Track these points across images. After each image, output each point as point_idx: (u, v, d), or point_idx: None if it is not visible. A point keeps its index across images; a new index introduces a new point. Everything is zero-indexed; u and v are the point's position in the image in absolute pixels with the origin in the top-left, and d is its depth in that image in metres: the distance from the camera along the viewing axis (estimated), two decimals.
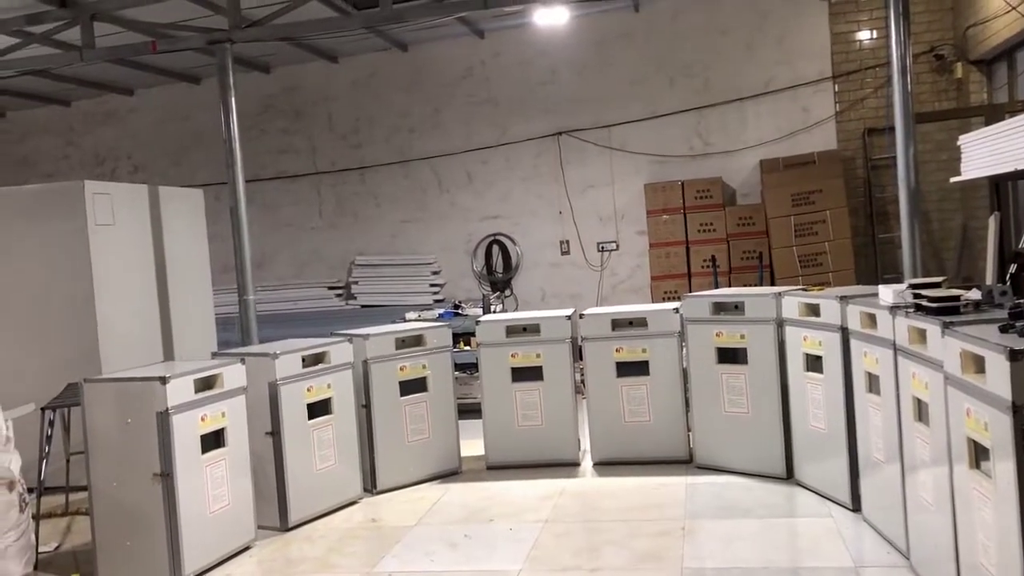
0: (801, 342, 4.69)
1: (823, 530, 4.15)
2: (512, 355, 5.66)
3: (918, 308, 3.36)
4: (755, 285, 8.21)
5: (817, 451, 4.61)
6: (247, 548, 4.45)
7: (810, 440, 4.67)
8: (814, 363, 4.59)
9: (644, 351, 5.52)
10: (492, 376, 5.69)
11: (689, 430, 5.43)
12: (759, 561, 3.82)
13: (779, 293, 4.98)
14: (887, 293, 3.86)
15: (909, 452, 3.46)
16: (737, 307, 5.17)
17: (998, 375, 2.40)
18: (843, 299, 4.31)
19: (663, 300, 8.26)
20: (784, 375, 4.91)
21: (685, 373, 5.45)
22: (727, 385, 5.16)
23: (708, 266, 8.59)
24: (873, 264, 8.65)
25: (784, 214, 8.44)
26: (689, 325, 5.34)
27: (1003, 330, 2.64)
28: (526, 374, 5.64)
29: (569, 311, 5.83)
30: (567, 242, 9.27)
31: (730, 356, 5.17)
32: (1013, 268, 4.96)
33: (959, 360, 2.74)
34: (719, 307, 5.25)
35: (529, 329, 5.69)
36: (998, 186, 5.46)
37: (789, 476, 4.92)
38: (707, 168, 8.90)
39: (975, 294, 3.30)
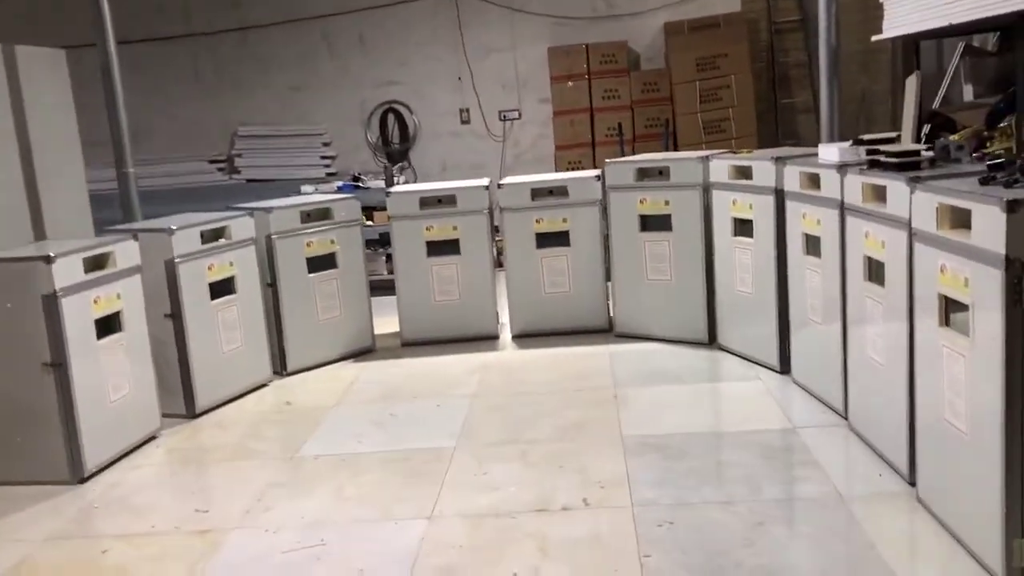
0: (730, 206, 4.57)
1: (754, 392, 4.14)
2: (427, 228, 5.36)
3: (874, 165, 3.24)
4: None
5: (743, 316, 4.57)
6: (153, 438, 4.12)
7: (736, 305, 4.62)
8: (743, 227, 4.49)
9: (565, 221, 5.32)
10: (405, 251, 5.39)
11: (609, 299, 5.32)
12: (697, 425, 3.77)
13: (706, 157, 4.82)
14: (831, 152, 3.74)
15: (856, 312, 3.40)
16: (662, 172, 4.99)
17: (989, 229, 2.29)
18: (778, 160, 4.18)
19: (568, 170, 8.04)
20: (709, 241, 4.81)
21: (606, 242, 5.29)
22: (650, 253, 5.04)
23: (613, 134, 8.38)
24: (774, 130, 8.63)
25: (689, 79, 8.25)
26: (612, 193, 5.15)
27: (984, 183, 2.53)
28: (442, 248, 5.37)
29: (486, 181, 5.53)
30: (468, 111, 8.86)
31: (654, 223, 5.03)
32: (927, 128, 4.92)
33: (934, 215, 2.63)
34: (643, 173, 5.07)
35: (444, 201, 5.38)
36: (917, 45, 5.38)
37: (711, 341, 4.90)
38: (612, 31, 8.57)
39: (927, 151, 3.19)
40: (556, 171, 8.20)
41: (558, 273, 5.35)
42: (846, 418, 3.65)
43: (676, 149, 8.32)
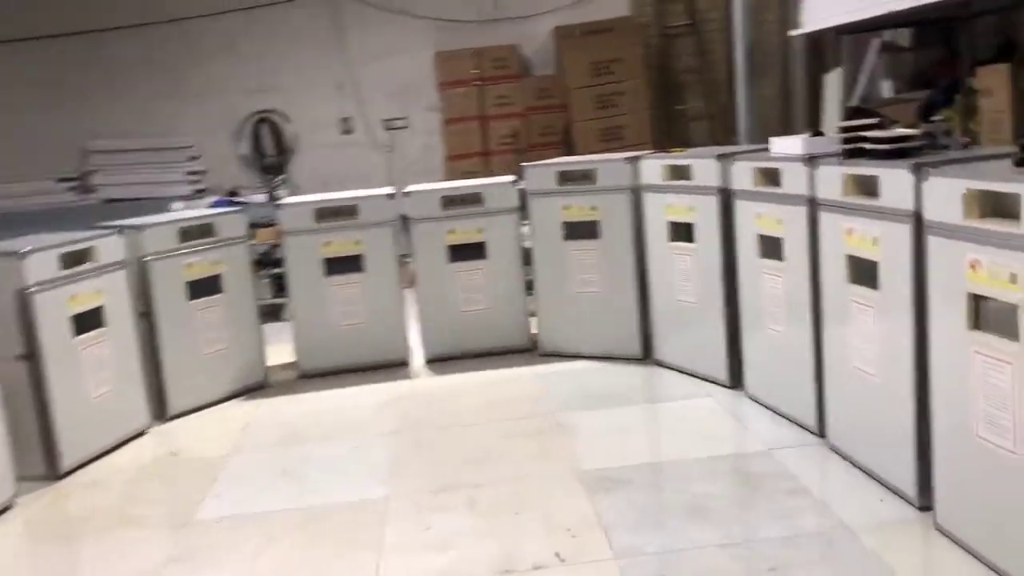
0: (665, 210, 4.21)
1: (708, 411, 3.77)
2: (326, 244, 4.76)
3: (856, 154, 2.91)
4: None
5: (684, 327, 4.20)
6: (7, 508, 3.36)
7: (675, 316, 4.25)
8: (682, 231, 4.13)
9: (480, 231, 4.83)
10: (301, 269, 4.77)
11: (532, 315, 4.87)
12: (658, 453, 3.36)
13: (636, 157, 4.45)
14: (791, 144, 3.41)
15: (835, 319, 3.06)
16: (587, 176, 4.59)
17: None
18: (723, 157, 3.84)
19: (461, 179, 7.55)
20: (642, 248, 4.43)
21: (527, 253, 4.85)
22: (577, 263, 4.62)
23: (507, 143, 7.96)
24: (667, 138, 8.43)
25: (585, 84, 7.94)
26: (532, 199, 4.71)
27: (1020, 163, 2.22)
28: (343, 265, 4.78)
29: (390, 189, 4.98)
30: (350, 120, 8.25)
31: (580, 231, 4.61)
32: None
33: (960, 204, 2.29)
34: (566, 177, 4.65)
35: (344, 212, 4.79)
36: (838, 40, 5.23)
37: (646, 357, 4.52)
38: (501, 35, 8.16)
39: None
40: (445, 182, 7.70)
41: (474, 289, 4.85)
42: (821, 436, 3.32)
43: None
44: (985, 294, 2.24)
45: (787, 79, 6.53)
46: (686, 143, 8.48)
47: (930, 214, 2.45)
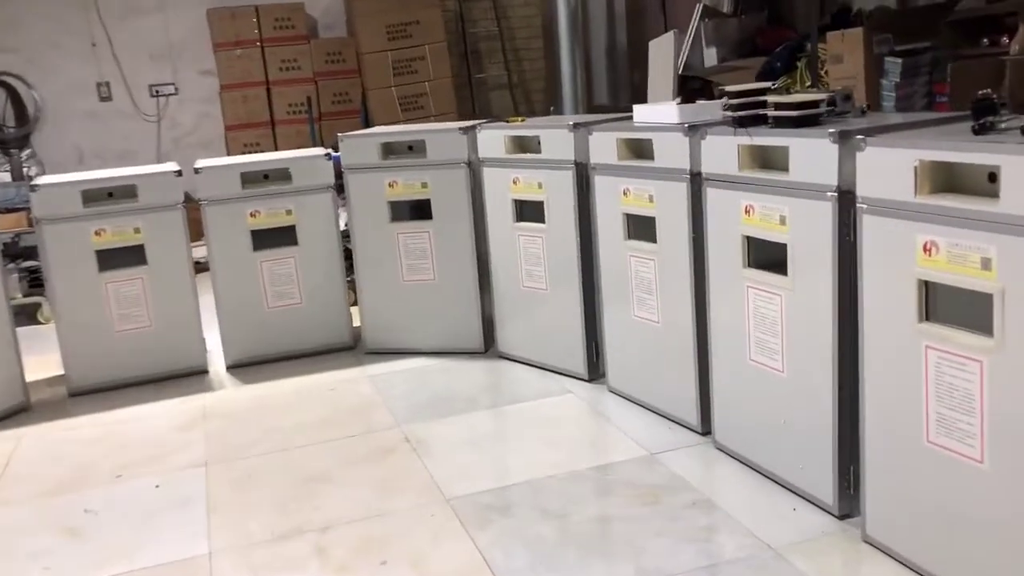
0: (510, 186, 3.76)
1: (575, 410, 3.38)
2: (97, 232, 3.91)
3: (750, 121, 2.58)
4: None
5: (533, 316, 3.79)
6: None
7: (522, 304, 3.83)
8: (530, 211, 3.70)
9: (289, 213, 4.16)
10: (65, 265, 3.89)
11: (354, 306, 4.29)
12: (534, 468, 2.92)
13: (473, 127, 3.95)
14: (662, 111, 3.05)
15: (730, 308, 2.74)
16: (413, 148, 4.04)
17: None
18: (579, 127, 3.44)
19: (242, 153, 6.73)
20: (482, 229, 3.96)
21: (345, 238, 4.24)
22: (406, 248, 4.07)
23: (297, 111, 7.20)
24: (470, 107, 8.01)
25: (380, 49, 7.33)
26: (350, 175, 4.09)
27: (979, 131, 1.94)
28: (120, 258, 3.96)
29: (174, 166, 4.18)
30: (108, 85, 7.14)
31: (409, 211, 4.07)
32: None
33: (911, 178, 1.99)
34: (390, 149, 4.07)
35: (119, 193, 3.96)
36: (663, 3, 4.98)
37: (487, 349, 4.08)
38: None
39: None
40: (228, 156, 6.85)
41: (284, 281, 4.19)
42: (703, 434, 3.02)
43: (370, 127, 7.37)
44: (949, 282, 1.96)
45: (612, 45, 6.27)
46: (490, 113, 8.12)
47: (866, 190, 2.14)
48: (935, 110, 3.44)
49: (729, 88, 2.69)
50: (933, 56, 3.42)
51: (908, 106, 3.45)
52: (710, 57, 5.13)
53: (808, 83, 3.96)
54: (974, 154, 1.86)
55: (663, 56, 4.45)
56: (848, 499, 2.43)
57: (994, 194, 1.85)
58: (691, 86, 4.81)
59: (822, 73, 3.89)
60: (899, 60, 3.36)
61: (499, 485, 2.81)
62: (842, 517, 2.44)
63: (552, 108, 6.57)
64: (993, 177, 1.90)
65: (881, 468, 2.24)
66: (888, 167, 2.07)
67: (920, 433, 2.08)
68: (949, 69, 3.09)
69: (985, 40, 3.59)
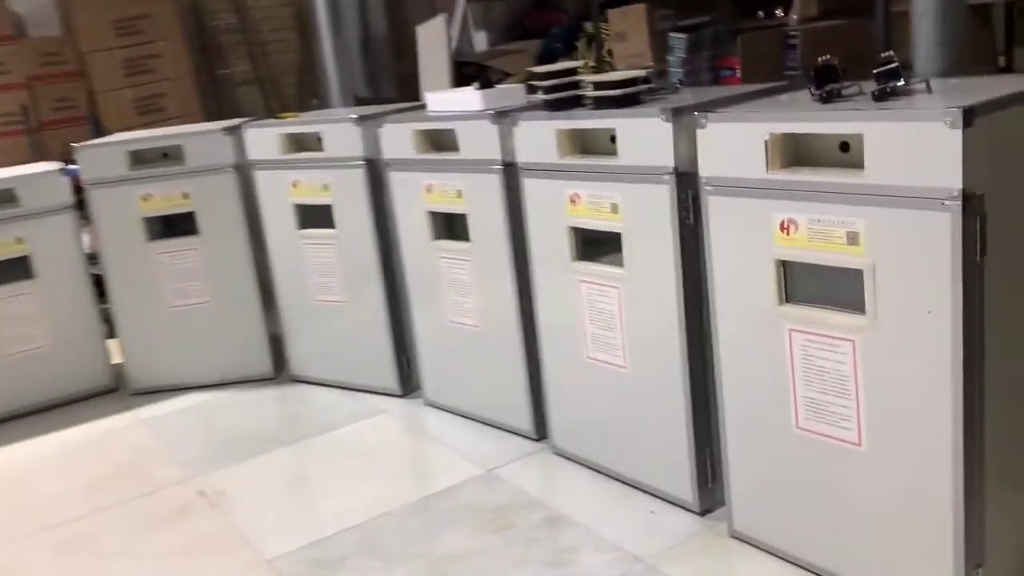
0: (289, 190, 3.35)
1: (393, 432, 3.07)
2: None
3: (563, 105, 2.39)
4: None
5: (330, 332, 3.42)
6: None
7: (315, 319, 3.45)
8: (314, 216, 3.32)
9: (20, 241, 3.50)
10: None
11: (112, 338, 3.70)
12: (361, 507, 2.57)
13: (236, 127, 3.50)
14: (462, 98, 2.79)
15: (561, 308, 2.54)
16: (169, 154, 3.52)
17: (937, 155, 1.58)
18: (365, 120, 3.10)
19: None
20: (259, 241, 3.52)
21: (93, 262, 3.64)
22: (170, 269, 3.55)
23: (9, 121, 6.23)
24: (216, 107, 7.33)
25: (106, 47, 6.50)
26: (94, 191, 3.49)
27: (826, 99, 1.85)
28: None
29: None
30: None
31: (169, 226, 3.55)
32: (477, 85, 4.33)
33: (762, 153, 1.87)
34: (140, 158, 3.52)
35: None
36: None
37: (278, 373, 3.66)
38: None
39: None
40: None
41: (21, 322, 3.52)
42: (538, 440, 2.82)
43: (103, 135, 6.54)
44: (811, 260, 1.85)
45: (367, 33, 5.91)
46: (239, 112, 7.48)
47: (710, 170, 2.00)
48: (722, 84, 3.44)
49: (537, 69, 2.48)
50: (714, 30, 3.43)
51: (695, 82, 3.45)
52: (480, 41, 4.95)
53: (591, 63, 3.87)
54: (832, 123, 1.76)
55: (433, 42, 4.22)
56: (708, 494, 2.31)
57: (852, 164, 1.76)
58: (466, 72, 4.61)
59: (606, 52, 3.80)
60: (683, 36, 3.33)
61: (326, 535, 2.44)
62: (703, 513, 2.32)
63: (315, 102, 6.13)
64: (846, 147, 1.81)
65: (746, 460, 2.13)
66: (734, 143, 1.93)
67: (788, 419, 1.98)
68: (739, 41, 3.07)
69: (760, 12, 3.66)
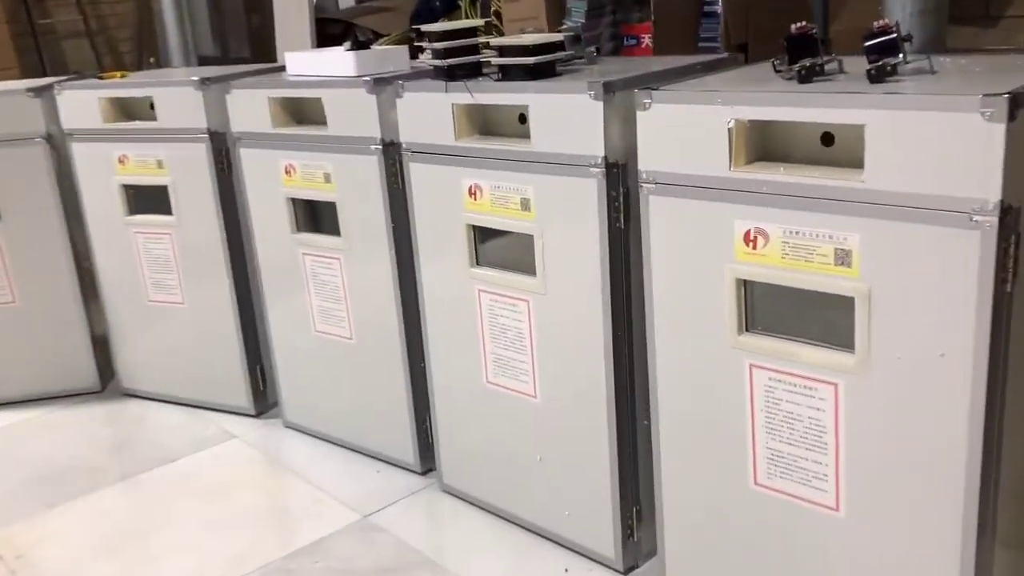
0: (115, 167, 2.75)
1: (247, 466, 2.55)
2: None
3: (459, 73, 1.93)
4: None
5: (169, 338, 2.85)
6: None
7: (151, 323, 2.87)
8: (151, 198, 2.73)
9: None
10: None
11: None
12: (211, 567, 2.07)
13: (48, 87, 2.84)
14: (331, 61, 2.28)
15: (454, 318, 2.10)
16: None
17: (967, 156, 1.22)
18: (209, 82, 2.54)
19: None
20: (79, 229, 2.90)
21: None
22: None
23: None
24: (38, 60, 6.43)
25: None
26: None
27: (805, 77, 1.46)
28: None
29: None
30: None
31: None
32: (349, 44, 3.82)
33: (725, 144, 1.46)
34: None
35: None
36: None
37: (105, 386, 3.06)
38: None
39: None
40: None
41: None
42: (423, 473, 2.38)
43: None
44: (788, 283, 1.47)
45: None
46: (65, 67, 6.60)
47: (650, 162, 1.59)
48: (625, 54, 3.04)
49: (428, 28, 2.00)
50: None
51: (597, 52, 3.04)
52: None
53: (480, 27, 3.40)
54: (820, 110, 1.37)
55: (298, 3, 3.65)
56: (631, 552, 1.94)
57: (841, 162, 1.39)
58: (330, 32, 4.04)
59: (492, 14, 3.35)
60: None
61: None
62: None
63: (152, 60, 5.38)
64: (829, 139, 1.43)
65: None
66: (687, 130, 1.52)
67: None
68: (652, 6, 2.68)
69: None
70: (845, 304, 1.39)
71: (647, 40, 2.88)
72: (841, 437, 1.46)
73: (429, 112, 1.99)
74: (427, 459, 2.36)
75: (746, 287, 1.53)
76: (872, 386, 1.40)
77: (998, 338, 1.26)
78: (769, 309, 1.52)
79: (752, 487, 1.61)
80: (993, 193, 1.21)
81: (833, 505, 1.50)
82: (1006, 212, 1.21)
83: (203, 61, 5.85)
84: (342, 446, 2.55)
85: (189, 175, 2.61)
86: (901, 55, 1.40)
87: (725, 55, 1.98)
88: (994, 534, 1.37)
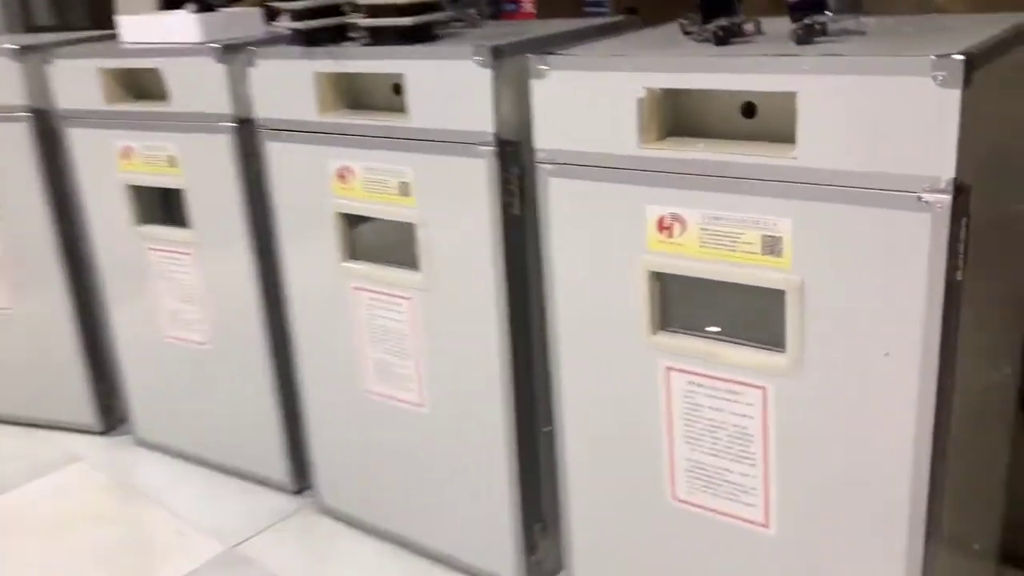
0: None
1: (93, 492, 2.22)
2: None
3: (320, 37, 1.67)
4: None
5: None
6: None
7: None
8: None
9: None
10: None
11: None
12: None
13: None
14: (173, 25, 1.96)
15: (333, 320, 1.84)
16: None
17: (920, 128, 1.06)
18: (28, 51, 2.18)
19: None
20: None
21: None
22: None
23: None
24: None
25: None
26: None
27: (722, 39, 1.27)
28: None
29: None
30: None
31: None
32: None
33: (634, 120, 1.27)
34: None
35: None
36: None
37: None
38: None
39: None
40: None
41: None
42: (298, 492, 2.13)
43: None
44: (711, 275, 1.29)
45: None
46: None
47: (549, 140, 1.38)
48: (504, 18, 2.82)
49: None
50: None
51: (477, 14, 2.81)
52: None
53: None
54: (744, 76, 1.18)
55: None
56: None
57: (768, 135, 1.21)
58: None
59: None
60: None
61: None
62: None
63: None
64: (750, 110, 1.26)
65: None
66: (590, 102, 1.32)
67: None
68: None
69: None
70: (775, 298, 1.22)
71: (528, 4, 2.66)
72: (771, 446, 1.30)
73: (288, 83, 1.72)
74: (301, 477, 2.10)
75: (661, 280, 1.34)
76: (806, 389, 1.24)
77: (950, 333, 1.12)
78: (688, 305, 1.34)
79: (670, 502, 1.43)
80: (946, 169, 1.05)
81: (762, 521, 1.34)
82: (959, 191, 1.06)
83: (40, 31, 5.30)
84: (203, 465, 2.26)
85: (7, 160, 2.24)
86: (828, 14, 1.24)
87: (621, 17, 1.79)
88: (940, 542, 1.24)
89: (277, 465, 2.12)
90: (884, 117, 1.07)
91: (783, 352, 1.24)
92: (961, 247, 1.09)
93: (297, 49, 1.68)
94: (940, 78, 1.02)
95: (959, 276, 1.10)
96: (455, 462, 1.75)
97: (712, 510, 1.39)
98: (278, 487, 2.14)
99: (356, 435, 1.90)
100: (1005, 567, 1.64)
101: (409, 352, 1.72)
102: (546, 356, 1.51)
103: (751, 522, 1.35)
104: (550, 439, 1.57)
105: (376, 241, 1.74)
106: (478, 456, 1.70)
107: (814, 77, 1.11)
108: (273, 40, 1.82)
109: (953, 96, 1.02)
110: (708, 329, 1.32)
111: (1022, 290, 1.45)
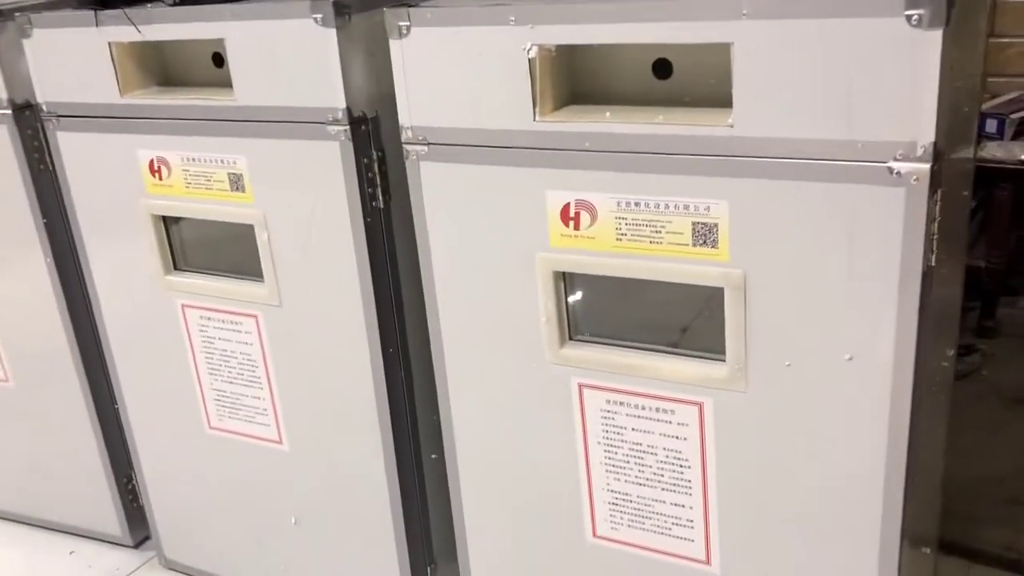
0: None
1: None
2: None
3: None
4: None
5: None
6: None
7: None
8: None
9: None
10: None
11: None
12: None
13: None
14: None
15: (158, 344, 1.51)
16: None
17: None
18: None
19: None
20: None
21: None
22: None
23: None
24: None
25: None
26: None
27: None
28: None
29: None
30: None
31: None
32: None
33: (525, 55, 1.01)
34: None
35: None
36: None
37: None
38: None
39: None
40: None
41: None
42: (136, 546, 1.79)
43: None
44: (646, 275, 1.05)
45: None
46: None
47: (415, 116, 1.10)
48: None
49: None
50: None
51: None
52: None
53: None
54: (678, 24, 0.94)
55: None
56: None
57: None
58: None
59: None
60: None
61: None
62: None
63: None
64: (666, 67, 1.02)
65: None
66: (470, 65, 1.05)
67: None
68: None
69: None
70: (711, 297, 1.01)
71: None
72: (710, 472, 1.08)
73: (76, 57, 1.36)
74: (138, 528, 1.76)
75: (567, 282, 1.10)
76: (751, 404, 1.03)
77: (924, 330, 0.93)
78: (603, 310, 1.11)
79: (590, 539, 1.21)
80: (924, 132, 0.85)
81: (702, 558, 1.13)
82: (938, 158, 0.86)
83: None
84: (19, 522, 1.88)
85: None
86: None
87: None
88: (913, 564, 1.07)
89: (108, 516, 1.77)
90: (844, 70, 0.86)
91: (722, 361, 1.02)
92: (936, 227, 0.90)
93: (85, 14, 1.33)
94: (916, 17, 0.81)
95: (933, 261, 0.91)
96: (324, 504, 1.47)
97: (641, 547, 1.17)
98: (112, 541, 1.79)
99: (199, 478, 1.58)
100: (941, 555, 1.51)
101: (260, 380, 1.41)
102: (431, 374, 1.25)
103: (690, 559, 1.14)
104: (440, 467, 1.32)
105: (208, 248, 1.42)
106: (353, 494, 1.43)
107: (756, 24, 0.88)
108: (54, 3, 1.45)
109: (933, 38, 0.81)
110: (628, 338, 1.09)
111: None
